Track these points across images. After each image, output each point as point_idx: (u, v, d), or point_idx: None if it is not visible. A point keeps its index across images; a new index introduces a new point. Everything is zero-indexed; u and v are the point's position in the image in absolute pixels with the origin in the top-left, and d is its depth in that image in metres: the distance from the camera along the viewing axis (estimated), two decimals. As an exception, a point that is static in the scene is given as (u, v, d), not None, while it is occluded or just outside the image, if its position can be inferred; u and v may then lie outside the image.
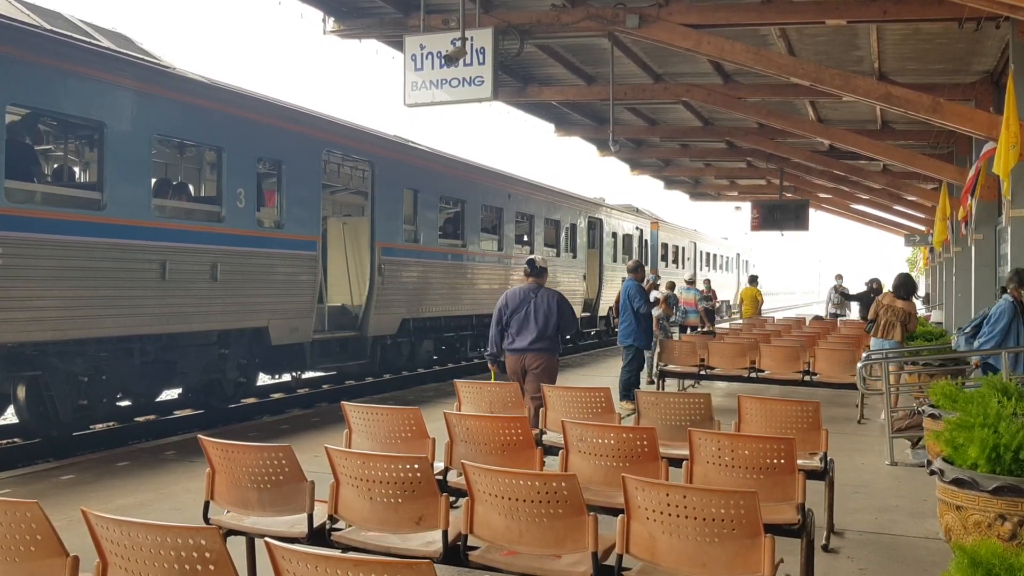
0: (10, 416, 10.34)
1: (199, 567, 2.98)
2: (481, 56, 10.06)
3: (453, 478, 5.42)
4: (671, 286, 17.86)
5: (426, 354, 16.24)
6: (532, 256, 8.91)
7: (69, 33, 9.03)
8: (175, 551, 3.01)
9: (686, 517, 3.60)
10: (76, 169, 11.28)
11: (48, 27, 8.81)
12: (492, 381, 8.29)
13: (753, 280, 23.35)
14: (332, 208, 15.77)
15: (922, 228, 28.62)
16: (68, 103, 8.76)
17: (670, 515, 3.63)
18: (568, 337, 9.31)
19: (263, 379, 13.69)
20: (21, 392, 9.25)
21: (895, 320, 10.52)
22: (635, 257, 23.69)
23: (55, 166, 11.02)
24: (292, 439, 9.13)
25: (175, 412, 12.38)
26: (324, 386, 15.52)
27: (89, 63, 8.87)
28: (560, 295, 8.60)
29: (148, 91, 9.54)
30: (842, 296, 22.21)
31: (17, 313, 8.15)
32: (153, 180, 10.04)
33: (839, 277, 23.57)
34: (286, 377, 14.23)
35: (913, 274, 16.67)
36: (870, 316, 11.04)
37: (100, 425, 10.97)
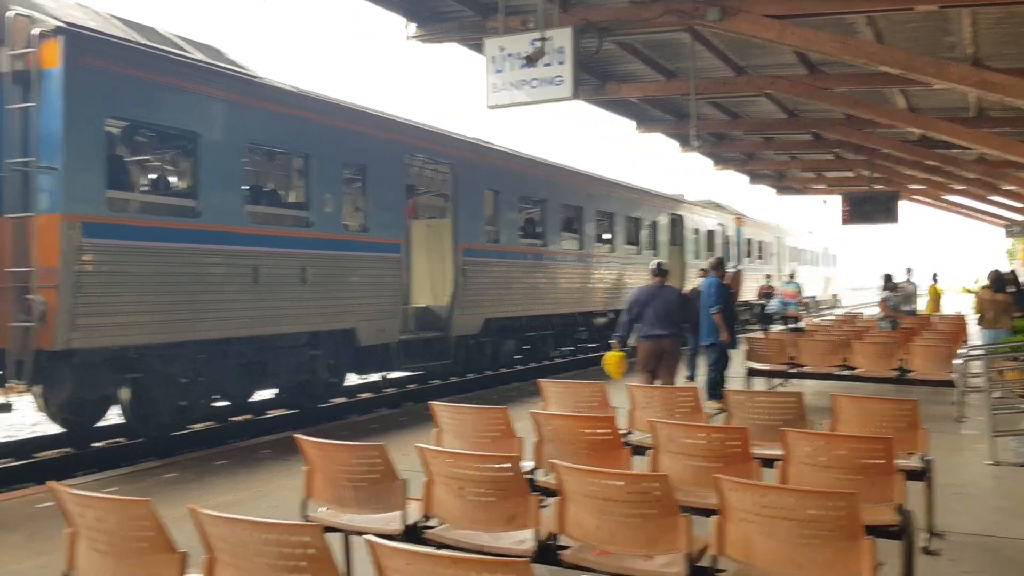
0: (115, 417, 10.79)
1: (303, 563, 3.07)
2: (560, 55, 10.05)
3: (541, 477, 5.44)
4: (892, 287, 17.17)
5: (508, 354, 16.32)
6: (658, 260, 10.73)
7: (163, 47, 9.37)
8: (279, 547, 3.11)
9: (783, 519, 3.55)
10: (172, 178, 11.70)
11: (143, 41, 9.17)
12: (615, 353, 9.62)
13: (935, 278, 23.25)
14: (415, 210, 15.97)
15: (1022, 218, 27.42)
16: (164, 115, 9.10)
17: (766, 516, 3.58)
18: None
19: (351, 379, 13.97)
20: (125, 394, 9.66)
21: (1000, 312, 11.94)
22: (717, 253, 23.32)
23: (152, 176, 11.45)
24: (381, 438, 9.27)
25: (268, 412, 12.74)
26: (410, 386, 15.76)
27: (183, 76, 9.19)
28: (680, 291, 10.46)
29: (239, 101, 9.84)
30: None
31: (119, 318, 8.50)
32: (245, 187, 10.35)
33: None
34: (374, 377, 14.47)
35: (1014, 264, 16.60)
36: (976, 311, 12.76)
37: (198, 425, 11.37)
